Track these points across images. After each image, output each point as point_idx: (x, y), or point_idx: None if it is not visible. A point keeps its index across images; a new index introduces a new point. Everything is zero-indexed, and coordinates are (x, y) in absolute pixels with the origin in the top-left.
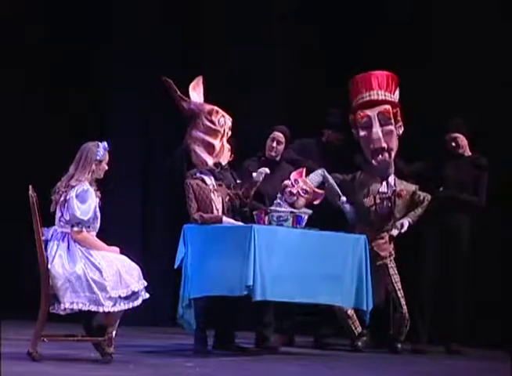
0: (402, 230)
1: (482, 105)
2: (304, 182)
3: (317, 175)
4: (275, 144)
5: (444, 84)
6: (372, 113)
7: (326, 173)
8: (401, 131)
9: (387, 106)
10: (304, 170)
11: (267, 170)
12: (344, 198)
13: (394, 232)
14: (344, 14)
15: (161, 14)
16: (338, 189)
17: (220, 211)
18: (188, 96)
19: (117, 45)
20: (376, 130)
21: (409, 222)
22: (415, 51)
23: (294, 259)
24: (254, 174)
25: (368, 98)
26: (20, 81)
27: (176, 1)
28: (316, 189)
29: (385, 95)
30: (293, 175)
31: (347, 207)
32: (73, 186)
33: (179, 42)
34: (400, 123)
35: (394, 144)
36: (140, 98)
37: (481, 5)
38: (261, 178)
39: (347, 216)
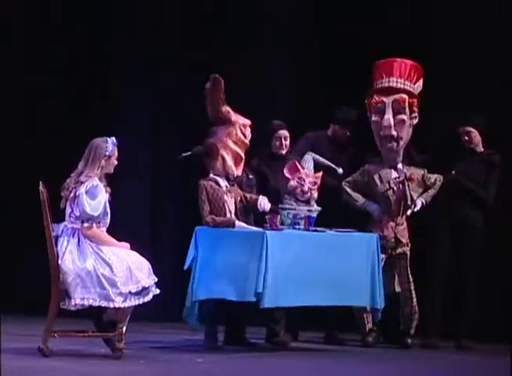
0: (415, 209)
1: (482, 104)
2: (307, 174)
3: (309, 162)
4: (283, 141)
5: (443, 85)
6: (387, 99)
7: (314, 154)
8: (415, 122)
9: (404, 95)
10: (297, 162)
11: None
12: (341, 170)
13: (408, 211)
14: (344, 14)
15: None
16: (331, 164)
17: (233, 213)
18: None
19: (117, 45)
20: (388, 117)
21: (423, 203)
22: (415, 51)
23: (309, 263)
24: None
25: (387, 84)
26: (24, 81)
27: (176, 1)
28: (317, 175)
29: (404, 84)
30: (288, 172)
31: (371, 206)
32: (82, 182)
33: (179, 41)
34: (415, 114)
35: (405, 134)
36: (150, 96)
37: (481, 6)
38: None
39: (374, 215)
